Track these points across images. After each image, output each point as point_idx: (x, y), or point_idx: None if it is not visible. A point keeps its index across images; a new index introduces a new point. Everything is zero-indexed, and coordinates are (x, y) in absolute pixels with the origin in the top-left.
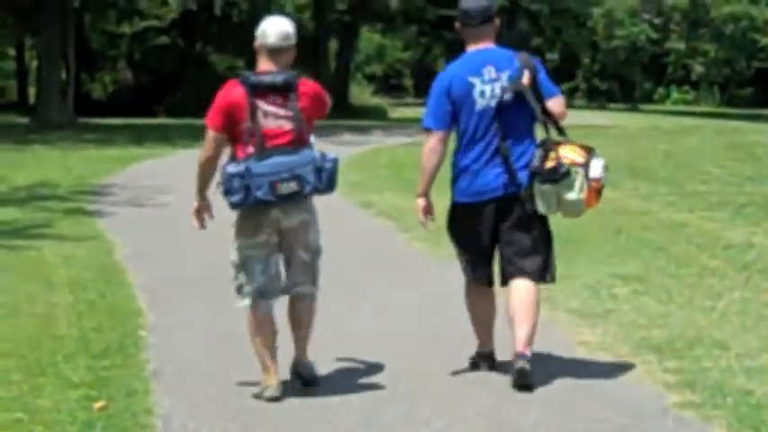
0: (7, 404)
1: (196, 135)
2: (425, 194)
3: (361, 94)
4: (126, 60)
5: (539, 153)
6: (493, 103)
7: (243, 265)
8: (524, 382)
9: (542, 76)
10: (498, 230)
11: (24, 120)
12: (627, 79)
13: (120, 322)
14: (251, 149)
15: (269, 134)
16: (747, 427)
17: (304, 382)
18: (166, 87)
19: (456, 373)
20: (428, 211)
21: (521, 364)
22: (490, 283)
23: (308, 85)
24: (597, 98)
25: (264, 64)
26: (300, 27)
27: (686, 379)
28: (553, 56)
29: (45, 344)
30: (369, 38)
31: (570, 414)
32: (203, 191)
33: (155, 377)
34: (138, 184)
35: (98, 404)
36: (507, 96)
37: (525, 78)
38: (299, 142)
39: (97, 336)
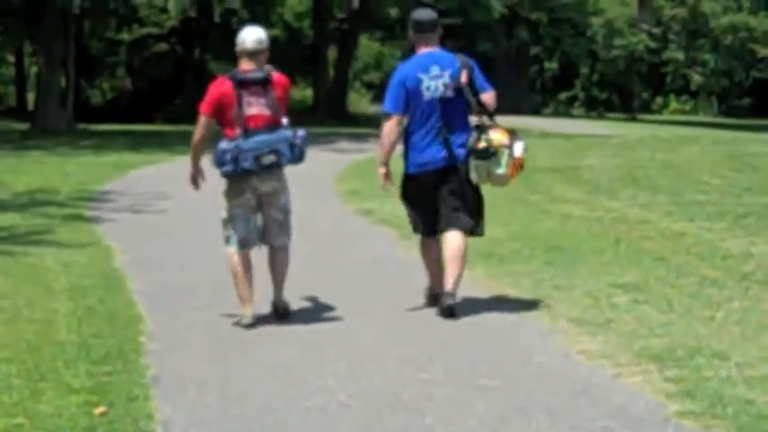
0: (8, 409)
1: None
2: (386, 164)
3: (360, 101)
4: (125, 67)
5: (474, 135)
6: (437, 95)
7: (230, 221)
8: (450, 314)
9: (477, 74)
10: (439, 194)
11: (23, 126)
12: (625, 89)
13: (120, 328)
14: (238, 131)
15: (251, 118)
16: None
17: (279, 315)
18: (165, 94)
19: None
20: (388, 177)
21: (449, 300)
22: (435, 234)
23: (280, 77)
24: (596, 108)
25: (245, 64)
26: (299, 35)
27: (686, 388)
28: (551, 65)
29: (45, 349)
30: (367, 46)
31: (571, 423)
32: (197, 162)
33: (155, 383)
34: (137, 190)
35: (99, 410)
36: (449, 92)
37: (463, 77)
38: (275, 124)
39: (97, 341)
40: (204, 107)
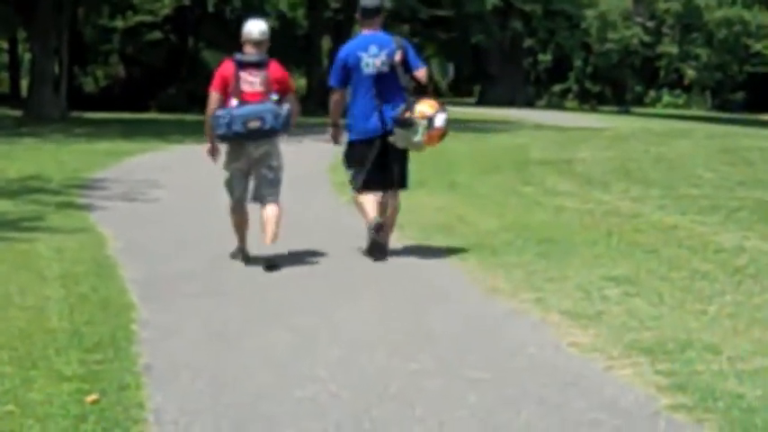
0: None
1: (188, 131)
2: (335, 125)
3: None
4: (119, 55)
5: (401, 107)
6: (374, 71)
7: (230, 180)
8: (381, 253)
9: (411, 54)
10: (378, 156)
11: (17, 112)
12: (619, 82)
13: (112, 316)
14: (234, 102)
15: (246, 93)
16: (739, 430)
17: (267, 263)
18: (159, 82)
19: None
20: (338, 135)
21: (380, 237)
22: (371, 190)
23: (276, 66)
24: (589, 100)
25: (249, 50)
26: (293, 25)
27: (678, 381)
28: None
29: (37, 337)
30: None
31: (561, 415)
32: (212, 136)
33: (147, 371)
34: (130, 178)
35: (90, 397)
36: (384, 68)
37: (398, 56)
38: (265, 97)
39: (89, 329)
40: (214, 85)
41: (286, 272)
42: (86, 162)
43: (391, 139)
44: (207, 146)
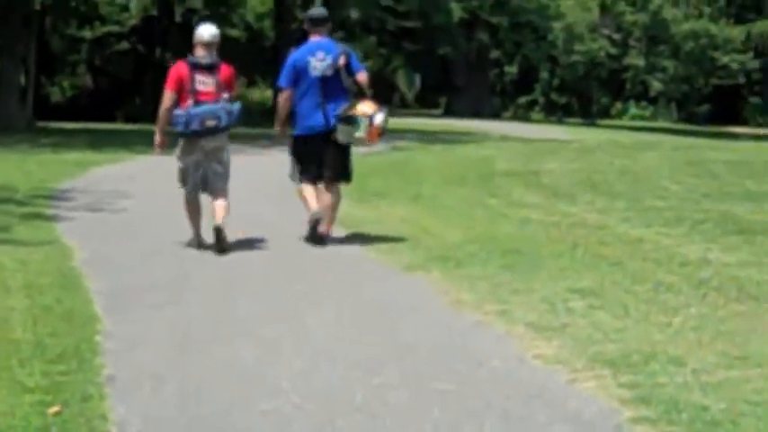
0: None
1: (153, 141)
2: (282, 124)
3: None
4: (86, 65)
5: (344, 106)
6: (319, 74)
7: (184, 171)
8: (320, 242)
9: (353, 59)
10: (320, 152)
11: None
12: (585, 94)
13: (76, 327)
14: (190, 102)
15: (200, 93)
16: None
17: (219, 248)
18: (126, 93)
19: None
20: (284, 130)
21: (320, 226)
22: (316, 182)
23: (226, 67)
24: (555, 112)
25: (200, 52)
26: (260, 36)
27: (641, 394)
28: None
29: (0, 347)
30: None
31: (525, 428)
32: (163, 129)
33: (110, 382)
34: (96, 188)
35: (53, 409)
36: (329, 71)
37: (341, 60)
38: (218, 97)
39: (53, 340)
40: (168, 84)
41: (253, 281)
42: (53, 172)
43: (335, 134)
44: (156, 139)
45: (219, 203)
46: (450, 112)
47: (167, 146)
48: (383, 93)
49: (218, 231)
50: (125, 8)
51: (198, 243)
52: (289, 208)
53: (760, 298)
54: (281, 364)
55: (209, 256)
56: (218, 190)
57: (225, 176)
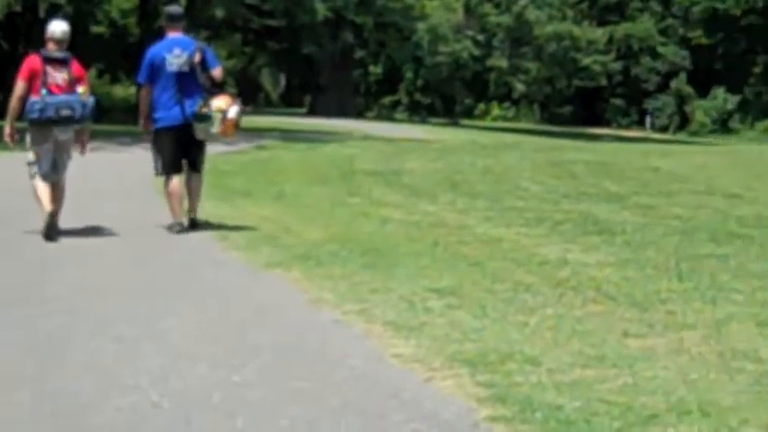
0: None
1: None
2: (145, 118)
3: None
4: None
5: (200, 102)
6: (176, 70)
7: (37, 160)
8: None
9: (209, 55)
10: (180, 144)
11: None
12: (449, 94)
13: None
14: (44, 92)
15: (52, 84)
16: None
17: (47, 232)
18: None
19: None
20: (147, 125)
21: (192, 215)
22: (176, 173)
23: (77, 65)
24: (419, 112)
25: (51, 46)
26: (125, 33)
27: (497, 393)
28: (376, 69)
29: None
30: None
31: (382, 427)
32: (13, 120)
33: None
34: None
35: None
36: (185, 67)
37: (196, 57)
38: (71, 90)
39: None
40: (21, 75)
41: (109, 280)
42: None
43: (195, 131)
44: (6, 130)
45: (60, 189)
46: (314, 112)
47: (17, 140)
48: (248, 92)
49: (52, 217)
50: None
51: (47, 223)
52: (148, 207)
53: (617, 298)
54: (139, 363)
55: (59, 251)
56: (61, 177)
57: (67, 166)
